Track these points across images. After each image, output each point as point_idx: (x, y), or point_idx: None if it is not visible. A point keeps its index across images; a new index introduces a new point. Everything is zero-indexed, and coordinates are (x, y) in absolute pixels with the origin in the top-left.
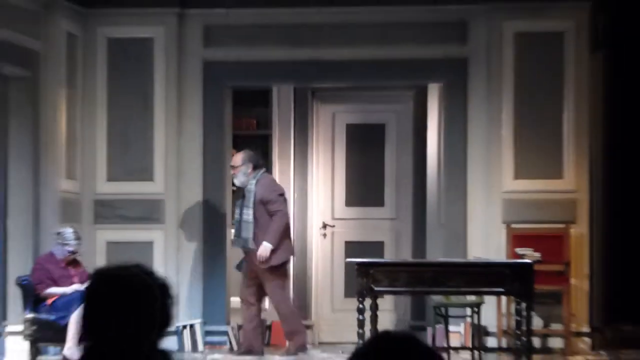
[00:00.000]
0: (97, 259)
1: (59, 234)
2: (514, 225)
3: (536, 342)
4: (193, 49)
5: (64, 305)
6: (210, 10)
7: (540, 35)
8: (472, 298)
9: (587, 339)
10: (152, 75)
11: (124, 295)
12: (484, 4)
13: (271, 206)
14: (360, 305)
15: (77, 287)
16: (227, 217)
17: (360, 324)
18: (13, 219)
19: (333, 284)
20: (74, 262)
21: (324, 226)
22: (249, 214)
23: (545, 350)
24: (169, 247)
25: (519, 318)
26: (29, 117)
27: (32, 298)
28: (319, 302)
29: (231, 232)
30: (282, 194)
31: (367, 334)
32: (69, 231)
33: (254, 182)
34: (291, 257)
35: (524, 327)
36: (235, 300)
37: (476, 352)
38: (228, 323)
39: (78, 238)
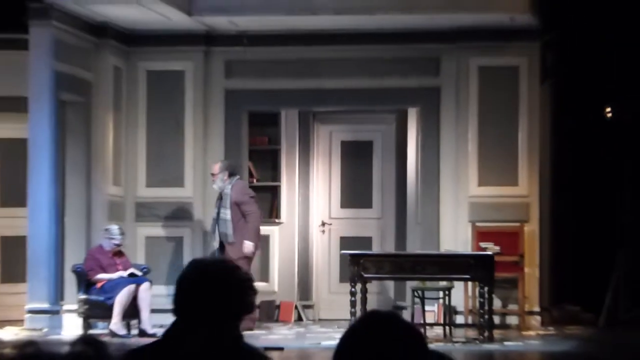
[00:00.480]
0: (137, 251)
1: (106, 230)
2: (477, 224)
3: (496, 319)
4: (216, 80)
5: (111, 288)
6: (230, 48)
7: (499, 69)
8: (443, 283)
9: (537, 317)
10: (183, 101)
11: (212, 282)
12: (453, 43)
13: (244, 207)
14: (353, 289)
15: (121, 273)
16: None
17: (353, 304)
18: (69, 218)
19: (330, 271)
20: (118, 253)
21: (323, 224)
22: (226, 214)
23: (504, 326)
24: (196, 241)
25: (482, 300)
26: (82, 134)
27: (85, 282)
28: (318, 286)
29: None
30: (252, 197)
31: (358, 312)
32: (114, 228)
33: (229, 186)
34: (259, 248)
35: (486, 307)
36: None
37: (447, 328)
38: None
39: (122, 233)
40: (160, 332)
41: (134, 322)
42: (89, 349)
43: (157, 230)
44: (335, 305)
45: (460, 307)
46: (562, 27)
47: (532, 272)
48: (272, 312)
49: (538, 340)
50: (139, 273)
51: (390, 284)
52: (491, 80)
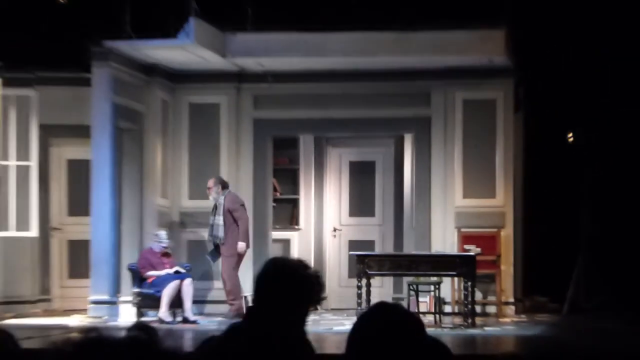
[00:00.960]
0: (181, 252)
1: (156, 235)
2: (462, 229)
3: (478, 309)
4: (246, 110)
5: (159, 282)
6: (257, 85)
7: (480, 101)
8: (434, 279)
9: (512, 307)
10: (219, 128)
11: (288, 278)
12: (441, 80)
13: (236, 213)
14: (359, 283)
15: (168, 270)
16: (269, 220)
17: (359, 296)
18: (125, 224)
19: (340, 268)
20: (166, 254)
21: (334, 230)
22: (219, 220)
23: (484, 314)
24: None
25: (466, 292)
26: (136, 156)
27: (138, 278)
28: (330, 280)
29: (271, 231)
30: (242, 205)
31: (363, 303)
32: (162, 233)
33: (222, 197)
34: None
35: (469, 298)
36: None
37: (437, 316)
38: None
39: (169, 238)
40: (200, 319)
41: (178, 311)
42: (142, 333)
43: (197, 235)
44: (345, 297)
45: (448, 298)
46: (531, 67)
47: (507, 269)
48: None
49: (513, 326)
50: (183, 270)
51: (390, 279)
52: (473, 110)
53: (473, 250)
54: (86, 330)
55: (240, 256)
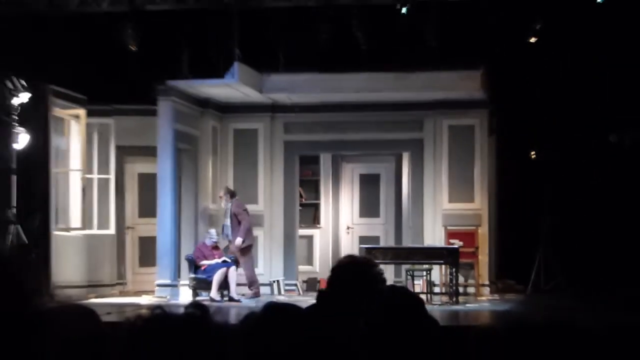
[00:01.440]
0: None
1: (208, 232)
2: (448, 227)
3: (460, 289)
4: (278, 135)
5: (210, 270)
6: (287, 114)
7: (462, 127)
8: (426, 266)
9: (487, 288)
10: (257, 148)
11: (358, 271)
12: (432, 110)
13: (239, 217)
14: None
15: (217, 260)
16: (296, 220)
17: None
18: (184, 224)
19: None
20: (216, 247)
21: (348, 228)
22: (228, 221)
23: (465, 294)
24: (267, 239)
25: (451, 277)
26: (192, 170)
27: (193, 266)
28: None
29: (298, 229)
30: (245, 210)
31: None
32: (213, 231)
33: (230, 204)
34: (252, 244)
35: (454, 282)
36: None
37: (428, 295)
38: (297, 279)
39: (218, 234)
40: (242, 298)
41: (225, 292)
42: (197, 310)
43: None
44: None
45: (437, 281)
46: (502, 100)
47: (483, 258)
48: (315, 285)
49: (488, 303)
50: (229, 260)
51: (392, 267)
52: (456, 134)
53: (457, 243)
54: (153, 308)
55: (246, 249)
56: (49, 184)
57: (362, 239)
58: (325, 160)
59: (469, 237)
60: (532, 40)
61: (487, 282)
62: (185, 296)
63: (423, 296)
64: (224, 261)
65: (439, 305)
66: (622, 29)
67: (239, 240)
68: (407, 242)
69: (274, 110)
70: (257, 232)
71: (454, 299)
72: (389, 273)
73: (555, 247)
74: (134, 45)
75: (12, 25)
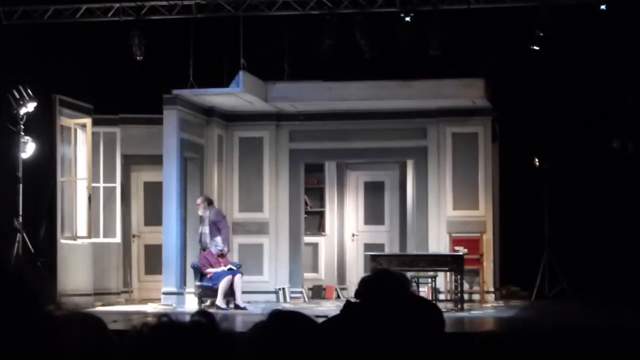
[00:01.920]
0: (233, 254)
1: (213, 240)
2: (453, 234)
3: (465, 296)
4: (283, 143)
5: (216, 277)
6: (292, 122)
7: (465, 134)
8: (431, 273)
9: (492, 295)
10: (262, 156)
11: (390, 285)
12: (435, 118)
13: (219, 224)
14: None
15: (223, 268)
16: (302, 228)
17: None
18: (189, 232)
19: (357, 265)
20: (221, 255)
21: (353, 235)
22: (206, 229)
23: (470, 300)
24: (272, 247)
25: (456, 283)
26: (198, 178)
27: (199, 274)
28: (350, 274)
29: (303, 237)
30: (224, 217)
31: None
32: (218, 239)
33: (208, 211)
34: (229, 251)
35: (458, 288)
36: (307, 274)
37: (434, 302)
38: (302, 286)
39: (223, 242)
40: (249, 306)
41: (231, 299)
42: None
43: (246, 240)
44: None
45: (442, 288)
46: (505, 107)
47: (488, 265)
48: (320, 292)
49: (492, 310)
50: (234, 268)
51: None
52: (460, 141)
53: (461, 250)
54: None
55: (224, 256)
56: (56, 192)
57: (367, 246)
58: (330, 168)
59: (474, 244)
60: (535, 47)
61: (491, 289)
62: (191, 304)
63: None
64: (230, 269)
65: (444, 312)
66: (625, 35)
67: (225, 250)
68: (412, 249)
69: (279, 118)
70: (263, 239)
71: (459, 306)
72: None
73: (560, 254)
74: (139, 54)
75: (19, 34)
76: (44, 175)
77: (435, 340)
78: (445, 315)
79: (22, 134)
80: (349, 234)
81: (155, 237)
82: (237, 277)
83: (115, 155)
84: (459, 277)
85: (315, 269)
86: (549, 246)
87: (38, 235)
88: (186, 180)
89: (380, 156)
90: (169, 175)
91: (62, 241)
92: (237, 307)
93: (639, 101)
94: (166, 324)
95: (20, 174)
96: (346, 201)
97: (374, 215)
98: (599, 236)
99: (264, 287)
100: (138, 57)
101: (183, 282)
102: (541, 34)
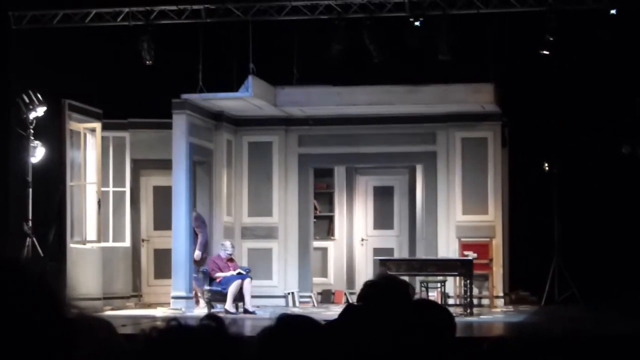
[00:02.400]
0: (242, 258)
1: (223, 244)
2: (462, 239)
3: (475, 301)
4: (292, 147)
5: (225, 282)
6: (301, 127)
7: (474, 139)
8: (440, 278)
9: (501, 300)
10: (271, 161)
11: (395, 291)
12: (445, 123)
13: (197, 229)
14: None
15: (232, 272)
16: (311, 232)
17: None
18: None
19: (367, 270)
20: (231, 260)
21: (362, 240)
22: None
23: (479, 305)
24: (281, 252)
25: (465, 288)
26: (207, 182)
27: (208, 278)
28: (359, 279)
29: (312, 241)
30: (203, 222)
31: None
32: (228, 243)
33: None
34: (207, 256)
35: (468, 293)
36: (316, 279)
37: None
38: (311, 291)
39: (233, 247)
40: (258, 311)
41: (240, 304)
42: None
43: (255, 244)
44: None
45: (451, 293)
46: (514, 112)
47: (497, 270)
48: (329, 297)
49: (502, 315)
50: (243, 272)
51: (405, 279)
52: (469, 146)
53: (470, 255)
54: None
55: (202, 260)
56: (65, 196)
57: (376, 251)
58: (339, 173)
59: (483, 249)
60: (544, 52)
61: (501, 294)
62: (200, 308)
63: None
64: (239, 273)
65: (454, 317)
66: (635, 40)
67: (197, 254)
68: (421, 254)
69: (288, 123)
70: (272, 244)
71: (468, 311)
72: None
73: (570, 259)
74: (149, 59)
75: (29, 39)
76: (54, 180)
77: (445, 345)
78: (456, 320)
79: (32, 138)
80: (358, 239)
81: (165, 241)
82: (247, 281)
83: (124, 160)
84: (468, 282)
85: (324, 273)
86: (558, 251)
87: (47, 239)
88: (195, 184)
89: (389, 161)
90: (178, 180)
91: (72, 245)
92: (246, 311)
93: (636, 151)
94: (175, 328)
95: (29, 179)
96: (355, 206)
97: (383, 219)
98: (608, 241)
99: (273, 291)
100: (147, 62)
101: (192, 287)
102: (551, 39)
